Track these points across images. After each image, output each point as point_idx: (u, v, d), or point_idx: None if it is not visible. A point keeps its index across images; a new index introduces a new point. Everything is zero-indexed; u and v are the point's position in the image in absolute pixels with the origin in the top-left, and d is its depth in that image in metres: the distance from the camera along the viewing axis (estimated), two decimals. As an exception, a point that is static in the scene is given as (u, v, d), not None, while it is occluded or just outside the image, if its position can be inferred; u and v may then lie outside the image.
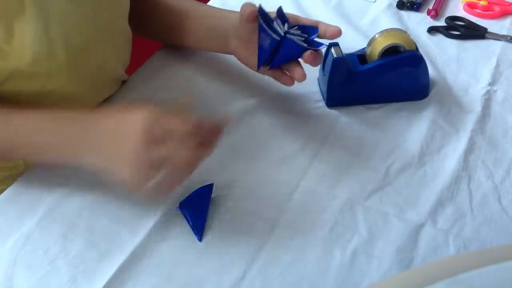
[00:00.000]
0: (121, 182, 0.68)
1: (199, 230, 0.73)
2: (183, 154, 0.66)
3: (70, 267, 0.69)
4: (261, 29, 0.82)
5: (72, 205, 0.76)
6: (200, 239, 0.72)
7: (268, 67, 0.84)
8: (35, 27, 0.72)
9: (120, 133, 0.68)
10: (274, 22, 0.82)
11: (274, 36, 0.81)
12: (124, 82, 0.95)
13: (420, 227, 0.74)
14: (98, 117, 0.71)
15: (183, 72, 0.97)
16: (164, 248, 0.71)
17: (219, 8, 0.95)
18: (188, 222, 0.73)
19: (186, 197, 0.75)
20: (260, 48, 0.83)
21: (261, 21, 0.81)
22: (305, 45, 0.81)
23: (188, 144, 0.66)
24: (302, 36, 0.81)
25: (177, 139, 0.66)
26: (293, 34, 0.81)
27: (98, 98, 0.90)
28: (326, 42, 0.85)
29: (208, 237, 0.73)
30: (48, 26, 0.73)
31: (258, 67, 0.84)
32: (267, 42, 0.81)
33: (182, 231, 0.73)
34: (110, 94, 0.92)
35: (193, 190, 0.75)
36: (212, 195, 0.76)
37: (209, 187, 0.76)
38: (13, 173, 0.81)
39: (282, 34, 0.81)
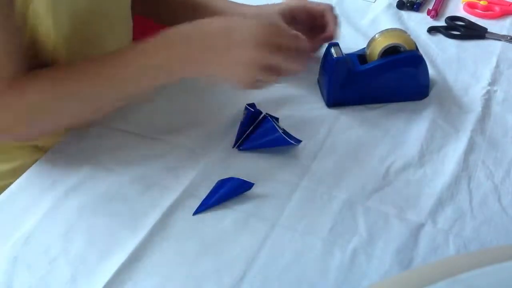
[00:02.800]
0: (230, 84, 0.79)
1: (201, 205, 0.75)
2: (292, 65, 0.77)
3: (70, 267, 0.69)
4: (247, 110, 0.84)
5: (72, 205, 0.76)
6: (193, 213, 0.74)
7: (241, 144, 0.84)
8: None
9: (232, 40, 0.75)
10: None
11: (257, 109, 0.84)
12: None
13: (420, 227, 0.74)
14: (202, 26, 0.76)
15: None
16: (164, 248, 0.71)
17: (236, 3, 0.97)
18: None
19: (229, 178, 0.77)
20: (241, 124, 0.84)
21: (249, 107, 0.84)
22: (281, 132, 0.81)
23: (296, 56, 0.76)
24: (282, 129, 0.82)
25: (287, 49, 0.75)
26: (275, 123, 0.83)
27: None
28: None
29: (208, 236, 0.73)
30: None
31: (235, 143, 0.84)
32: (247, 117, 0.83)
33: (182, 231, 0.73)
34: None
35: (237, 178, 0.76)
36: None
37: (247, 185, 0.76)
38: (7, 182, 0.81)
39: (265, 114, 0.83)
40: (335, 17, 0.95)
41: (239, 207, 0.76)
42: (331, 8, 0.95)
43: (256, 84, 0.78)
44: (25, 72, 0.76)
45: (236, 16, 0.88)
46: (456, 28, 1.10)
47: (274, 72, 0.77)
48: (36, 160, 0.82)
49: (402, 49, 0.90)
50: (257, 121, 0.83)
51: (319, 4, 0.95)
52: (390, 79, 0.91)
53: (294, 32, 0.80)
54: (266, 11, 0.95)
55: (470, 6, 1.15)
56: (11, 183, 0.79)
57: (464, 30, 1.09)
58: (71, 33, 0.79)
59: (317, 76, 0.95)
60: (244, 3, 0.98)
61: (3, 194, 0.77)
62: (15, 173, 0.81)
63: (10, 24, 0.73)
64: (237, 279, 0.68)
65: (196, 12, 0.96)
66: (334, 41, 0.92)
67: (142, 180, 0.79)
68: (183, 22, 0.94)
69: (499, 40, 1.07)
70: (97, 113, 0.82)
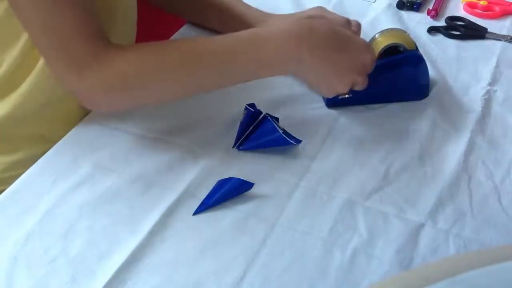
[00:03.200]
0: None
1: (201, 205, 0.75)
2: (365, 60, 0.82)
3: (70, 267, 0.69)
4: (246, 110, 0.84)
5: (72, 205, 0.76)
6: (193, 213, 0.74)
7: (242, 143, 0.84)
8: None
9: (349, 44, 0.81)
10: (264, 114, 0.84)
11: (257, 109, 0.83)
12: None
13: (420, 227, 0.74)
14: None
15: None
16: (164, 248, 0.71)
17: (259, 11, 0.99)
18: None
19: (229, 178, 0.76)
20: (240, 124, 0.84)
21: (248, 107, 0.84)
22: (281, 132, 0.81)
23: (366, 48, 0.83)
24: (282, 129, 0.82)
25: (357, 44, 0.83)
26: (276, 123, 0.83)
27: None
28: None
29: (208, 236, 0.73)
30: None
31: (235, 143, 0.84)
32: (247, 117, 0.83)
33: (182, 231, 0.73)
34: None
35: (237, 178, 0.76)
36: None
37: (247, 185, 0.76)
38: (15, 173, 0.82)
39: (265, 114, 0.83)
40: (350, 29, 0.93)
41: (239, 207, 0.76)
42: (347, 21, 0.93)
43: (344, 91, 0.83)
44: (108, 39, 0.75)
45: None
46: (456, 28, 1.10)
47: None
48: (42, 152, 0.83)
49: (402, 49, 0.90)
50: (257, 121, 0.83)
51: (336, 16, 0.95)
52: (390, 79, 0.91)
53: None
54: (287, 20, 0.96)
55: (470, 6, 1.15)
56: (17, 174, 0.79)
57: (464, 30, 1.09)
58: None
59: (317, 76, 0.95)
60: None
61: (3, 194, 0.77)
62: (22, 164, 0.82)
63: None
64: (237, 279, 0.68)
65: (222, 14, 0.98)
66: None
67: (142, 180, 0.79)
68: (207, 23, 0.96)
69: (499, 40, 1.07)
70: (186, 94, 0.82)
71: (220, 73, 0.79)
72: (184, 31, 1.06)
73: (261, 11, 1.00)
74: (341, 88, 0.82)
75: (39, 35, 0.73)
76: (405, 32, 0.94)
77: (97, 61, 0.73)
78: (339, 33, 0.81)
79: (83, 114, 0.88)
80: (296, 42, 0.77)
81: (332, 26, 0.81)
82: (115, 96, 0.77)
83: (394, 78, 0.91)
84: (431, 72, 0.95)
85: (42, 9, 0.71)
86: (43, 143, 0.87)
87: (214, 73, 0.78)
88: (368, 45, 0.84)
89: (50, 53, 0.74)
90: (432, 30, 1.09)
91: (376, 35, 0.91)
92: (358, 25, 0.94)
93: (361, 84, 0.83)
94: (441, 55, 1.03)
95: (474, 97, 0.94)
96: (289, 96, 0.93)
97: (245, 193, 0.77)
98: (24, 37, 0.80)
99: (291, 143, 0.81)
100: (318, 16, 0.94)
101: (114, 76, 0.74)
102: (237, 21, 0.96)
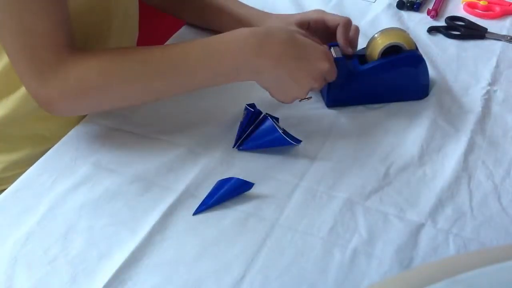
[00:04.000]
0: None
1: (201, 205, 0.75)
2: (322, 68, 0.82)
3: (70, 267, 0.69)
4: (246, 110, 0.84)
5: (72, 205, 0.76)
6: (193, 213, 0.75)
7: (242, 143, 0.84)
8: None
9: (306, 52, 0.81)
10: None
11: (257, 109, 0.84)
12: None
13: (420, 227, 0.74)
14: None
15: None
16: (164, 248, 0.71)
17: (257, 11, 0.99)
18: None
19: (229, 178, 0.76)
20: (240, 124, 0.84)
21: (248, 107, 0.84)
22: (281, 132, 0.81)
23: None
24: (282, 129, 0.82)
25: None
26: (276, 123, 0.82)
27: None
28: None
29: (208, 236, 0.73)
30: None
31: (235, 143, 0.84)
32: (247, 117, 0.83)
33: (182, 231, 0.73)
34: None
35: (237, 177, 0.76)
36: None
37: (247, 185, 0.76)
38: (15, 172, 0.82)
39: (265, 114, 0.83)
40: (348, 30, 0.92)
41: (239, 207, 0.76)
42: (346, 21, 0.92)
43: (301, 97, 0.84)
44: (75, 46, 0.76)
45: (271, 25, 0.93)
46: (456, 28, 1.10)
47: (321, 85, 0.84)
48: (42, 152, 0.83)
49: (402, 48, 0.90)
50: (257, 121, 0.83)
51: (335, 16, 0.94)
52: (390, 79, 0.91)
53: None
54: (286, 20, 0.96)
55: (470, 6, 1.15)
56: (17, 174, 0.79)
57: (464, 30, 1.09)
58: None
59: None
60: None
61: (3, 194, 0.77)
62: (22, 164, 0.82)
63: None
64: (237, 279, 0.68)
65: (221, 15, 0.98)
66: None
67: (142, 180, 0.79)
68: (206, 24, 0.95)
69: (499, 40, 1.07)
70: (138, 100, 0.82)
71: (176, 82, 0.80)
72: (184, 32, 1.07)
73: (260, 11, 1.00)
74: (299, 94, 0.83)
75: (7, 38, 0.75)
76: (405, 31, 0.94)
77: (59, 68, 0.74)
78: (297, 41, 0.80)
79: (83, 115, 0.88)
80: (251, 51, 0.78)
81: (290, 33, 0.81)
82: (74, 102, 0.78)
83: (394, 78, 0.91)
84: (431, 72, 0.95)
85: (14, 15, 0.72)
86: (43, 143, 0.87)
87: (171, 81, 0.79)
88: (328, 53, 0.83)
89: (15, 56, 0.75)
90: (432, 30, 1.09)
91: (376, 35, 0.91)
92: (357, 29, 0.94)
93: (318, 88, 0.85)
94: (441, 55, 1.03)
95: (474, 97, 0.94)
96: (289, 96, 0.92)
97: (245, 193, 0.77)
98: None
99: (291, 143, 0.81)
100: (319, 19, 0.94)
101: (74, 82, 0.75)
102: (236, 21, 0.96)
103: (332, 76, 0.84)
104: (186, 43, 0.80)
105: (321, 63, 0.81)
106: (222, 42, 0.79)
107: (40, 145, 0.87)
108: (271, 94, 0.83)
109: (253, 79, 0.82)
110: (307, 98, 0.85)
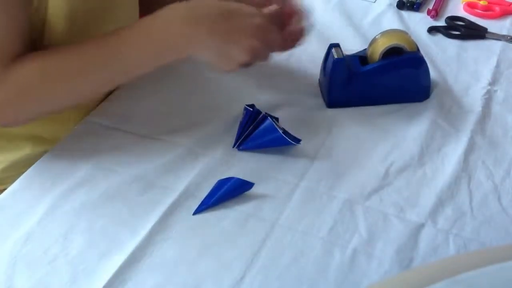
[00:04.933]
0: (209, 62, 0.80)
1: (201, 205, 0.75)
2: (255, 22, 0.79)
3: (70, 267, 0.69)
4: (246, 110, 0.84)
5: (72, 205, 0.76)
6: (193, 213, 0.75)
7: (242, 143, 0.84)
8: None
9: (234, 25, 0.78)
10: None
11: (256, 109, 0.83)
12: None
13: (420, 227, 0.74)
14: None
15: (187, 69, 0.97)
16: (164, 248, 0.71)
17: None
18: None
19: (229, 178, 0.77)
20: (240, 124, 0.84)
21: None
22: (281, 132, 0.81)
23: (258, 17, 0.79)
24: (281, 129, 0.82)
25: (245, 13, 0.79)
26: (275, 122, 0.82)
27: None
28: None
29: (208, 236, 0.73)
30: None
31: (235, 143, 0.84)
32: (246, 117, 0.83)
33: (182, 231, 0.73)
34: None
35: (237, 177, 0.76)
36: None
37: (247, 185, 0.76)
38: (15, 173, 0.82)
39: (264, 113, 0.83)
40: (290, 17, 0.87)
41: (239, 207, 0.76)
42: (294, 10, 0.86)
43: (237, 67, 0.81)
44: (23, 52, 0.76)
45: None
46: (456, 28, 1.10)
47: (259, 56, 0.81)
48: (42, 152, 0.83)
49: (403, 50, 0.90)
50: (257, 121, 0.83)
51: None
52: (391, 81, 0.90)
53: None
54: None
55: (470, 6, 1.15)
56: (18, 174, 0.79)
57: (464, 30, 1.09)
58: (68, 31, 0.79)
59: (317, 77, 0.95)
60: None
61: (3, 194, 0.77)
62: (22, 164, 0.82)
63: (11, 5, 0.74)
64: (237, 279, 0.68)
65: None
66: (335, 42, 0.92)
67: (142, 180, 0.79)
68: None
69: (499, 40, 1.07)
70: (86, 95, 0.83)
71: (117, 69, 0.79)
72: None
73: None
74: (241, 56, 0.79)
75: None
76: (406, 33, 0.94)
77: (1, 80, 0.74)
78: (223, 5, 0.79)
79: (82, 115, 0.88)
80: (181, 23, 0.77)
81: (217, 1, 0.80)
82: (19, 108, 0.78)
83: (395, 79, 0.90)
84: (431, 72, 0.95)
85: None
86: (43, 143, 0.87)
87: (111, 70, 0.79)
88: (258, 10, 0.80)
89: None
90: (432, 30, 1.09)
91: (377, 36, 0.91)
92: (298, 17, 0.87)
93: (262, 52, 0.81)
94: (441, 55, 1.03)
95: (474, 97, 0.94)
96: (289, 96, 0.92)
97: (245, 193, 0.77)
98: None
99: (291, 143, 0.81)
100: None
101: (16, 88, 0.75)
102: None
103: (269, 30, 0.80)
104: (121, 28, 0.79)
105: (254, 18, 0.79)
106: (154, 22, 0.78)
107: (40, 146, 0.87)
108: (214, 66, 0.81)
109: (193, 52, 0.80)
110: (250, 65, 0.82)
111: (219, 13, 0.78)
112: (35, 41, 0.79)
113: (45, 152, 0.83)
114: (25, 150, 0.88)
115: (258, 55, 0.80)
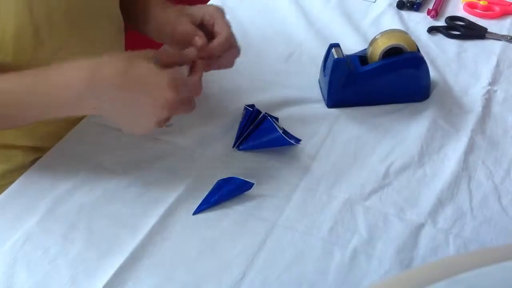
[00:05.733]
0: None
1: (201, 205, 0.75)
2: (165, 95, 0.71)
3: (70, 267, 0.69)
4: (246, 110, 0.84)
5: (72, 205, 0.76)
6: (193, 213, 0.75)
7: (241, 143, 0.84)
8: (16, 1, 0.73)
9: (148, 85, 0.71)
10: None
11: (256, 109, 0.83)
12: None
13: (420, 227, 0.74)
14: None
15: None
16: (164, 248, 0.71)
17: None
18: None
19: (229, 178, 0.77)
20: (240, 124, 0.84)
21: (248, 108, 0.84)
22: (281, 132, 0.81)
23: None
24: (281, 128, 0.82)
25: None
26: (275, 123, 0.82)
27: None
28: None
29: (208, 236, 0.73)
30: (31, 1, 0.74)
31: (235, 143, 0.84)
32: (246, 117, 0.83)
33: (182, 231, 0.73)
34: None
35: (237, 177, 0.76)
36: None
37: (247, 185, 0.76)
38: (10, 181, 0.81)
39: (264, 113, 0.83)
40: (223, 48, 0.83)
41: (239, 207, 0.76)
42: (225, 39, 0.82)
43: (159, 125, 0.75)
44: None
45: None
46: (456, 28, 1.10)
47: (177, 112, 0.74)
48: (34, 161, 0.82)
49: (403, 50, 0.90)
50: (257, 120, 0.83)
51: (224, 27, 0.83)
52: (390, 81, 0.90)
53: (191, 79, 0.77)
54: (180, 11, 0.86)
55: (470, 6, 1.15)
56: (9, 183, 0.79)
57: (464, 30, 1.09)
58: (50, 33, 0.79)
59: (317, 77, 0.95)
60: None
61: (3, 194, 0.77)
62: (13, 174, 0.81)
63: None
64: (237, 279, 0.68)
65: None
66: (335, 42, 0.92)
67: (142, 180, 0.79)
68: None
69: (499, 40, 1.07)
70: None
71: (14, 117, 0.75)
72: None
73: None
74: (146, 127, 0.74)
75: None
76: (406, 33, 0.94)
77: None
78: (132, 73, 0.71)
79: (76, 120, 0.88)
80: (83, 85, 0.70)
81: (127, 62, 0.71)
82: None
83: (395, 79, 0.90)
84: (431, 72, 0.95)
85: None
86: (34, 152, 0.86)
87: (30, 109, 0.74)
88: (171, 81, 0.71)
89: None
90: (432, 30, 1.09)
91: (377, 36, 0.91)
92: (232, 55, 0.84)
93: (178, 111, 0.74)
94: (441, 55, 1.03)
95: (474, 97, 0.94)
96: (289, 96, 0.92)
97: (245, 193, 0.77)
98: None
99: (291, 143, 0.81)
100: (209, 21, 0.84)
101: None
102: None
103: (184, 103, 0.74)
104: (28, 75, 0.73)
105: (164, 92, 0.70)
106: (57, 79, 0.72)
107: (32, 156, 0.86)
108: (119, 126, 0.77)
109: (94, 113, 0.77)
110: (165, 125, 0.76)
111: (127, 80, 0.71)
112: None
113: (37, 160, 0.82)
114: (18, 160, 0.87)
115: (174, 113, 0.74)
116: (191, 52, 0.78)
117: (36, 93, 0.73)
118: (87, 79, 0.70)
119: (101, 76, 0.70)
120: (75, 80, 0.71)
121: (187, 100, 0.74)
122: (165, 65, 0.74)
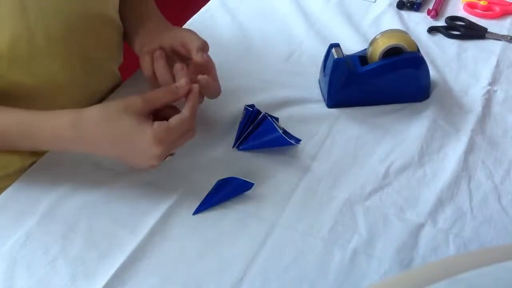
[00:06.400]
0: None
1: (201, 205, 0.75)
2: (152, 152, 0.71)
3: (70, 267, 0.69)
4: (245, 110, 0.84)
5: (72, 205, 0.76)
6: (193, 213, 0.75)
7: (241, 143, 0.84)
8: (11, 7, 0.72)
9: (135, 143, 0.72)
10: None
11: (256, 109, 0.83)
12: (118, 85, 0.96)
13: (420, 227, 0.74)
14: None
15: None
16: (164, 248, 0.71)
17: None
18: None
19: (229, 178, 0.77)
20: (240, 124, 0.84)
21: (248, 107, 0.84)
22: (281, 132, 0.81)
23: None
24: (281, 129, 0.82)
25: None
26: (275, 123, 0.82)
27: (87, 90, 0.89)
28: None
29: (208, 236, 0.73)
30: (26, 7, 0.73)
31: (235, 143, 0.84)
32: (246, 117, 0.83)
33: (182, 231, 0.73)
34: (102, 90, 0.92)
35: (237, 177, 0.76)
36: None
37: (247, 185, 0.76)
38: (5, 185, 0.81)
39: (264, 113, 0.83)
40: (197, 71, 0.82)
41: (239, 207, 0.76)
42: (200, 62, 0.81)
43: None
44: None
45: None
46: (456, 28, 1.10)
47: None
48: (32, 164, 0.82)
49: (403, 50, 0.90)
50: (257, 120, 0.83)
51: (198, 47, 0.81)
52: (391, 81, 0.90)
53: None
54: (155, 41, 0.86)
55: (470, 6, 1.15)
56: (8, 186, 0.79)
57: (464, 30, 1.09)
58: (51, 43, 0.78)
59: (317, 77, 0.95)
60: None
61: (3, 194, 0.77)
62: (12, 177, 0.81)
63: None
64: (237, 279, 0.68)
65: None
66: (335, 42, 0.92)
67: (142, 180, 0.79)
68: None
69: (499, 40, 1.07)
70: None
71: (28, 145, 0.76)
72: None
73: (160, 20, 0.91)
74: (144, 168, 0.76)
75: None
76: (406, 33, 0.94)
77: None
78: (116, 128, 0.71)
79: None
80: (67, 141, 0.72)
81: (107, 117, 0.71)
82: None
83: (395, 79, 0.90)
84: (431, 72, 0.95)
85: None
86: (32, 156, 0.86)
87: (24, 145, 0.77)
88: (155, 136, 0.70)
89: None
90: (432, 30, 1.09)
91: (377, 36, 0.91)
92: (211, 75, 0.82)
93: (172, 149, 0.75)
94: (441, 55, 1.03)
95: (474, 97, 0.94)
96: (289, 96, 0.92)
97: (245, 193, 0.77)
98: None
99: (291, 143, 0.81)
100: (179, 46, 0.83)
101: None
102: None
103: (181, 139, 0.73)
104: (16, 119, 0.74)
105: (150, 148, 0.70)
106: (43, 127, 0.73)
107: (30, 159, 0.86)
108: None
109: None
110: (166, 160, 0.75)
111: (110, 137, 0.72)
112: None
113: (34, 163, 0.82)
114: (16, 165, 0.87)
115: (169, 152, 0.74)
116: (181, 88, 0.76)
117: (23, 135, 0.74)
118: (73, 135, 0.72)
119: (87, 134, 0.71)
120: (60, 131, 0.72)
121: (182, 136, 0.73)
122: (157, 110, 0.74)
